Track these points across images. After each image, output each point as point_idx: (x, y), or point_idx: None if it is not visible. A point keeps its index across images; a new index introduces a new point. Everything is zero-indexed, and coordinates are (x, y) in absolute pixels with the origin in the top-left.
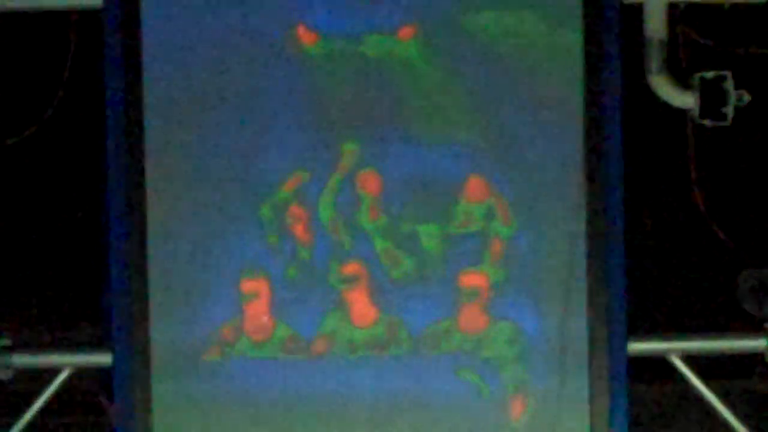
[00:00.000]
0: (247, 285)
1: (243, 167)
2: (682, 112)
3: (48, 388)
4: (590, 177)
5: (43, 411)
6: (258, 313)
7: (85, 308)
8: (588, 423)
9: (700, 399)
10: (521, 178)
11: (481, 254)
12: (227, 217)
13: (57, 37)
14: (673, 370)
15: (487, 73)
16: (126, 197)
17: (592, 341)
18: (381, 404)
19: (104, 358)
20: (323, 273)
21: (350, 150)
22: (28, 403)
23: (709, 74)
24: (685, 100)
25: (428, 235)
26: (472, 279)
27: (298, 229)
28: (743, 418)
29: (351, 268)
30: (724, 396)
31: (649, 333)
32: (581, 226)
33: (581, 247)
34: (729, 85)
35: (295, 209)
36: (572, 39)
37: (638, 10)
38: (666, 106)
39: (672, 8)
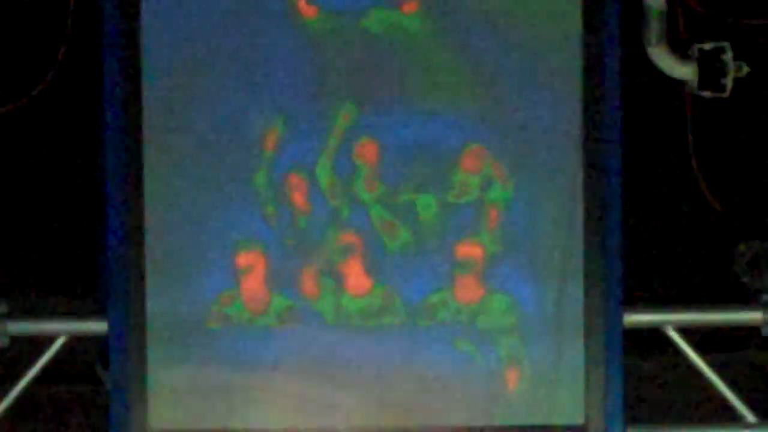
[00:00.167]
0: (243, 258)
1: (238, 136)
2: (680, 83)
3: (43, 355)
4: (588, 148)
5: (38, 379)
6: (254, 286)
7: (82, 276)
8: (583, 395)
9: (696, 371)
10: (520, 148)
11: (478, 224)
12: (223, 187)
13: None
14: (669, 342)
15: (488, 43)
16: (123, 168)
17: (587, 313)
18: (376, 374)
19: (100, 327)
20: (320, 243)
21: (346, 113)
22: (24, 371)
23: (708, 46)
24: (684, 71)
25: (425, 206)
26: (468, 250)
27: (297, 198)
28: (739, 391)
29: (347, 238)
30: (720, 368)
31: (645, 304)
32: (579, 198)
33: (578, 218)
34: (728, 56)
35: (293, 178)
36: (571, 10)
37: None
38: (664, 77)
39: None
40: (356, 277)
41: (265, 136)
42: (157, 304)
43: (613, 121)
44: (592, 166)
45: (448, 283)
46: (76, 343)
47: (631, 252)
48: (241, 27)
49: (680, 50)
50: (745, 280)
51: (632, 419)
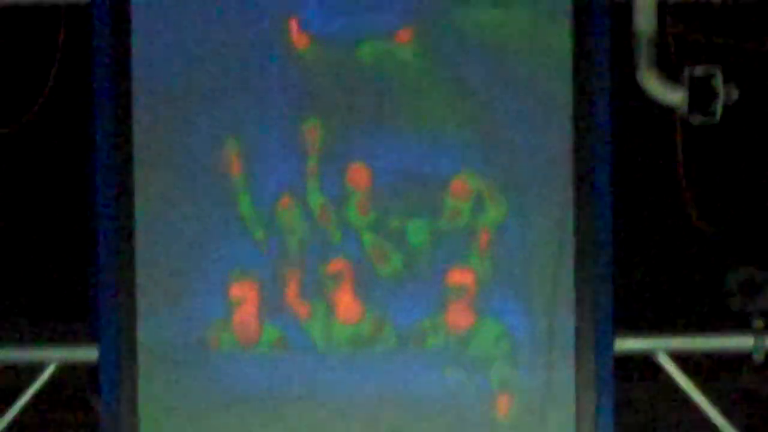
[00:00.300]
0: (235, 290)
1: (224, 162)
2: (670, 109)
3: (34, 383)
4: (578, 173)
5: (29, 407)
6: (246, 318)
7: (73, 303)
8: (574, 420)
9: (686, 397)
10: (511, 173)
11: (469, 249)
12: (212, 215)
13: (47, 27)
14: (660, 368)
15: (480, 70)
16: (114, 193)
17: (578, 339)
18: (367, 401)
19: (91, 354)
20: (311, 271)
21: (311, 127)
22: (14, 399)
23: (699, 71)
24: (674, 96)
25: (416, 231)
26: (460, 276)
27: (288, 221)
28: (730, 416)
29: (336, 265)
30: (711, 394)
31: (636, 330)
32: (569, 223)
33: (569, 244)
34: (718, 82)
35: (285, 200)
36: (562, 38)
37: (628, 6)
38: (655, 103)
39: (661, 4)
40: (346, 304)
41: (240, 163)
42: (148, 331)
43: (604, 147)
44: (583, 192)
45: (439, 310)
46: (67, 370)
47: (621, 278)
48: (232, 52)
49: (671, 73)
50: (735, 306)
51: None
